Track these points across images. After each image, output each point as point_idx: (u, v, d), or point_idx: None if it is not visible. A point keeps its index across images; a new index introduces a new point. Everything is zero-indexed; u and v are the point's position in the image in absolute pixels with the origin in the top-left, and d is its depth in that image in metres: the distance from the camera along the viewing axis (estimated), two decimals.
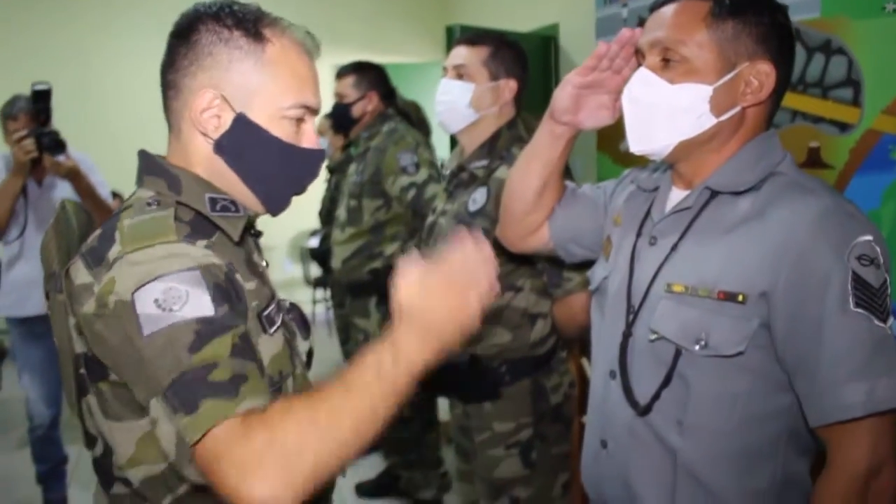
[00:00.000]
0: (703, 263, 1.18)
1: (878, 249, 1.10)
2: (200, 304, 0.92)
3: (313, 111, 1.12)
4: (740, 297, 1.13)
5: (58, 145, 2.65)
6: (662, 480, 1.22)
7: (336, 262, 3.08)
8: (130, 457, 1.03)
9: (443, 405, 3.19)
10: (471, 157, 2.05)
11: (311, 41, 1.12)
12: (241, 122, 1.06)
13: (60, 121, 2.76)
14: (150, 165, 1.11)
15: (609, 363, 1.31)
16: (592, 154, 3.70)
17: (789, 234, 1.10)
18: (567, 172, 2.04)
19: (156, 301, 0.91)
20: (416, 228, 2.26)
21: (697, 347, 1.15)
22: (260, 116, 1.06)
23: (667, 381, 1.19)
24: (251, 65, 1.06)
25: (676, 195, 1.29)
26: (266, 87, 1.06)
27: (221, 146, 1.07)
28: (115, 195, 4.83)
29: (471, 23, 3.81)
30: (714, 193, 1.22)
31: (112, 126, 5.56)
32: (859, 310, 1.07)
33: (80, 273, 0.99)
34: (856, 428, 1.07)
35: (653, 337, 1.21)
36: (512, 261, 1.95)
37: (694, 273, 1.19)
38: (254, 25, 1.07)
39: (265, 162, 1.09)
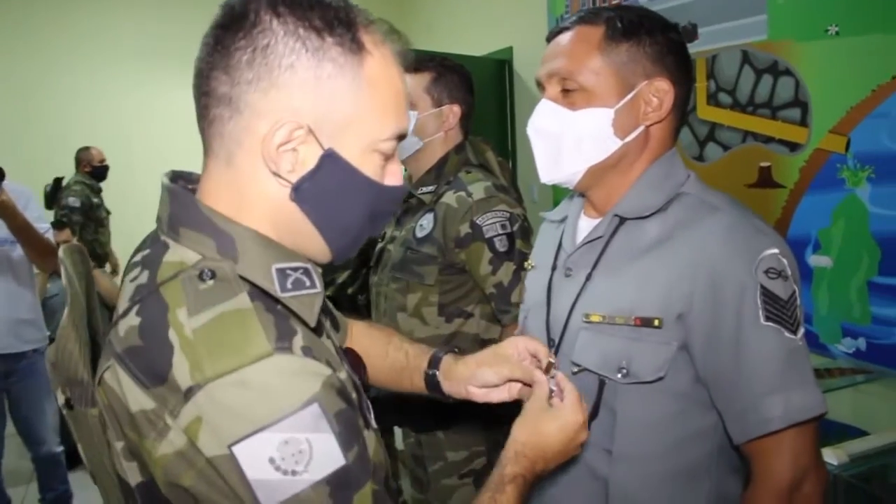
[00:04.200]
0: (617, 291, 1.17)
1: (785, 262, 1.10)
2: (329, 455, 0.72)
3: (402, 139, 0.89)
4: (656, 322, 1.12)
5: None
6: None
7: None
8: None
9: (400, 434, 3.13)
10: (418, 182, 2.02)
11: (406, 49, 0.89)
12: (331, 160, 0.81)
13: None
14: (191, 213, 0.84)
15: None
16: None
17: (699, 253, 1.10)
18: (518, 196, 2.03)
19: (271, 461, 0.70)
20: (368, 256, 2.22)
21: (619, 376, 1.14)
22: (352, 152, 0.82)
23: (594, 413, 1.17)
24: (347, 85, 0.81)
25: (587, 224, 1.29)
26: (363, 115, 0.82)
27: (302, 192, 0.82)
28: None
29: (424, 48, 3.82)
30: (623, 220, 1.21)
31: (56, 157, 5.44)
32: (769, 323, 1.06)
33: (131, 391, 0.75)
34: (776, 441, 1.07)
35: (575, 370, 1.19)
36: (462, 286, 1.92)
37: (610, 302, 1.17)
38: (349, 29, 0.81)
39: (353, 208, 0.86)
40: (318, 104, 0.80)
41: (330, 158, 0.81)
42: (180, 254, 0.81)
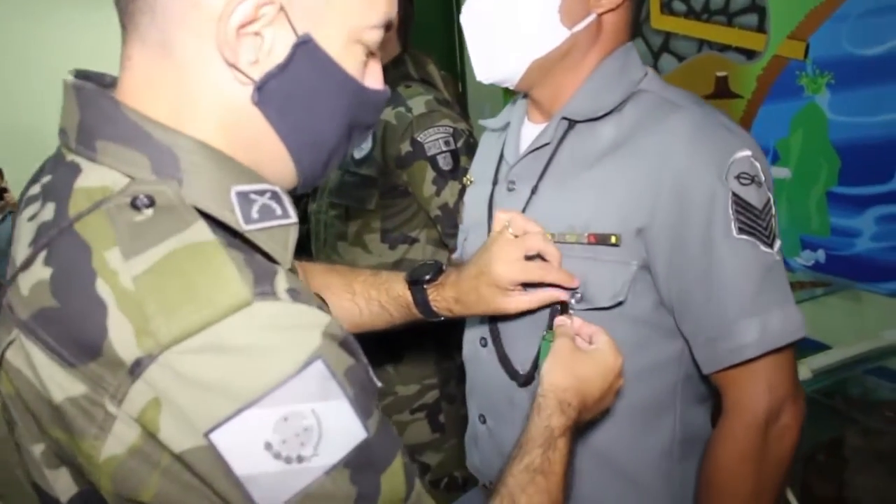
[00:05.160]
0: (567, 205, 1.04)
1: (759, 165, 0.99)
2: (345, 428, 0.57)
3: (389, 29, 0.71)
4: (613, 239, 1.00)
5: None
6: None
7: None
8: None
9: None
10: None
11: None
12: (307, 51, 0.63)
13: None
14: (112, 120, 0.63)
15: (479, 330, 1.17)
16: (499, 100, 3.55)
17: (661, 158, 0.97)
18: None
19: (268, 447, 0.53)
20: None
21: (573, 301, 1.02)
22: (332, 41, 0.64)
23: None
24: None
25: (531, 130, 1.14)
26: None
27: (268, 93, 0.63)
28: None
29: None
30: (572, 123, 1.07)
31: None
32: (743, 236, 0.96)
33: (49, 373, 0.55)
34: (751, 370, 0.98)
35: None
36: (405, 210, 1.79)
37: (559, 218, 1.04)
38: None
39: (330, 116, 0.68)
40: None
41: (305, 48, 0.62)
42: (100, 176, 0.60)
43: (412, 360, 1.89)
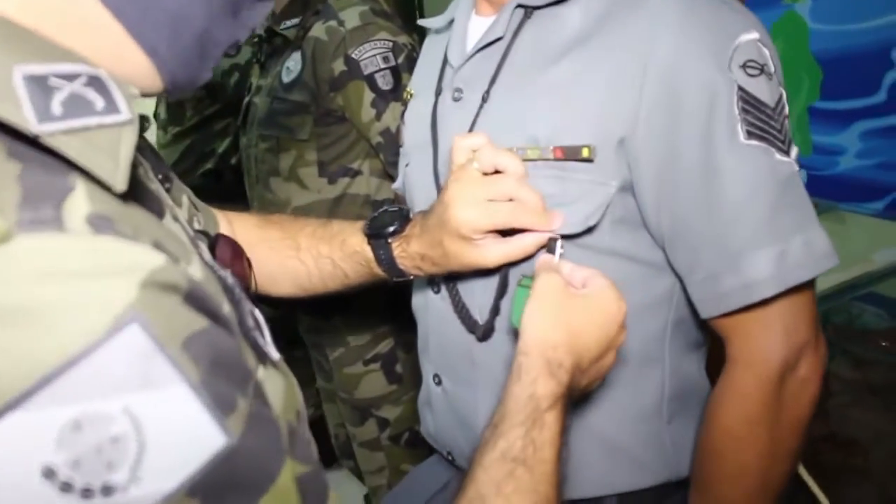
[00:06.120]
0: (527, 114, 0.84)
1: (767, 52, 0.79)
2: (188, 431, 0.39)
3: None
4: (585, 152, 0.79)
5: None
6: None
7: None
8: None
9: None
10: (281, 15, 1.66)
11: None
12: None
13: None
14: None
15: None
16: None
17: (645, 46, 0.76)
18: None
19: (48, 473, 0.35)
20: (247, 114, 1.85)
21: (559, 245, 0.80)
22: None
23: (503, 288, 0.87)
24: None
25: (479, 25, 0.92)
26: None
27: None
28: None
29: None
30: (529, 11, 0.86)
31: None
32: (752, 141, 0.75)
33: None
34: (764, 312, 0.78)
35: None
36: (343, 139, 1.59)
37: (517, 128, 0.84)
38: None
39: None
40: None
41: None
42: None
43: (362, 306, 1.72)
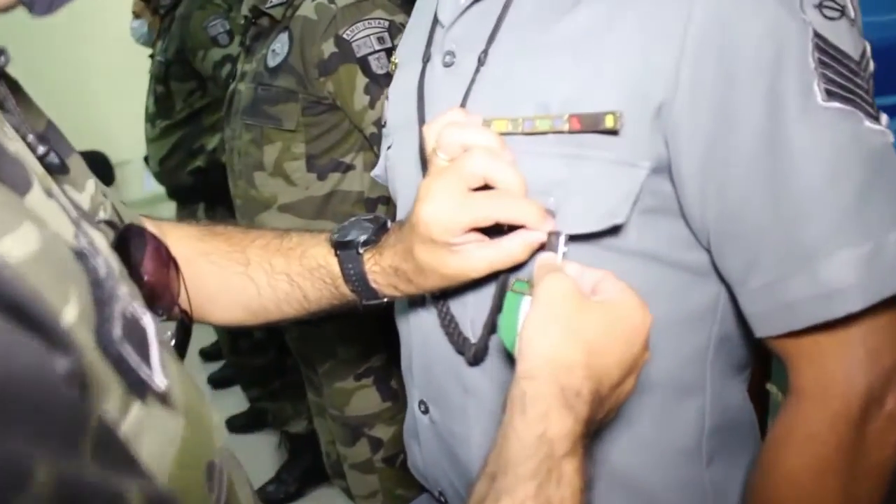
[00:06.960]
0: (535, 76, 0.67)
1: None
2: None
3: None
4: (609, 121, 0.60)
5: None
6: None
7: (153, 165, 2.51)
8: None
9: None
10: None
11: None
12: None
13: None
14: None
15: None
16: None
17: None
18: None
19: None
20: None
21: (562, 241, 0.63)
22: None
23: (501, 298, 0.68)
24: None
25: None
26: None
27: None
28: None
29: None
30: None
31: None
32: (834, 103, 0.57)
33: None
34: (846, 331, 0.60)
35: None
36: (334, 129, 1.45)
37: (522, 95, 0.67)
38: None
39: None
40: None
41: None
42: None
43: (353, 316, 1.56)
